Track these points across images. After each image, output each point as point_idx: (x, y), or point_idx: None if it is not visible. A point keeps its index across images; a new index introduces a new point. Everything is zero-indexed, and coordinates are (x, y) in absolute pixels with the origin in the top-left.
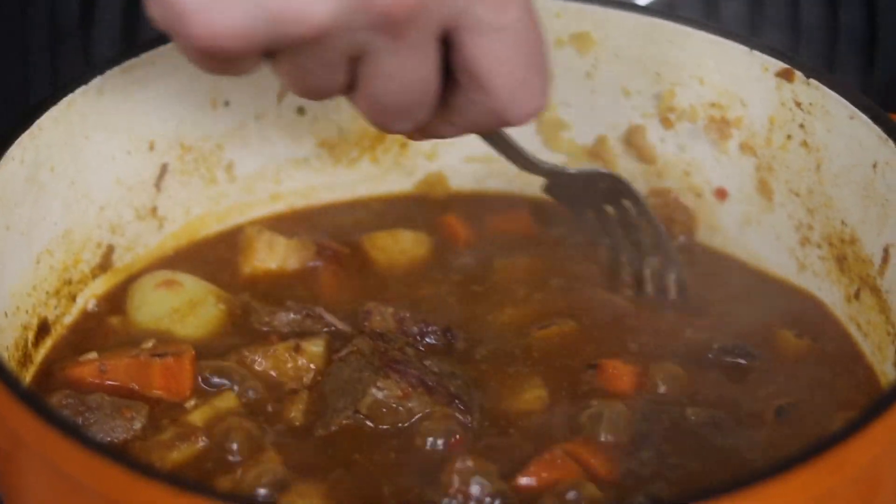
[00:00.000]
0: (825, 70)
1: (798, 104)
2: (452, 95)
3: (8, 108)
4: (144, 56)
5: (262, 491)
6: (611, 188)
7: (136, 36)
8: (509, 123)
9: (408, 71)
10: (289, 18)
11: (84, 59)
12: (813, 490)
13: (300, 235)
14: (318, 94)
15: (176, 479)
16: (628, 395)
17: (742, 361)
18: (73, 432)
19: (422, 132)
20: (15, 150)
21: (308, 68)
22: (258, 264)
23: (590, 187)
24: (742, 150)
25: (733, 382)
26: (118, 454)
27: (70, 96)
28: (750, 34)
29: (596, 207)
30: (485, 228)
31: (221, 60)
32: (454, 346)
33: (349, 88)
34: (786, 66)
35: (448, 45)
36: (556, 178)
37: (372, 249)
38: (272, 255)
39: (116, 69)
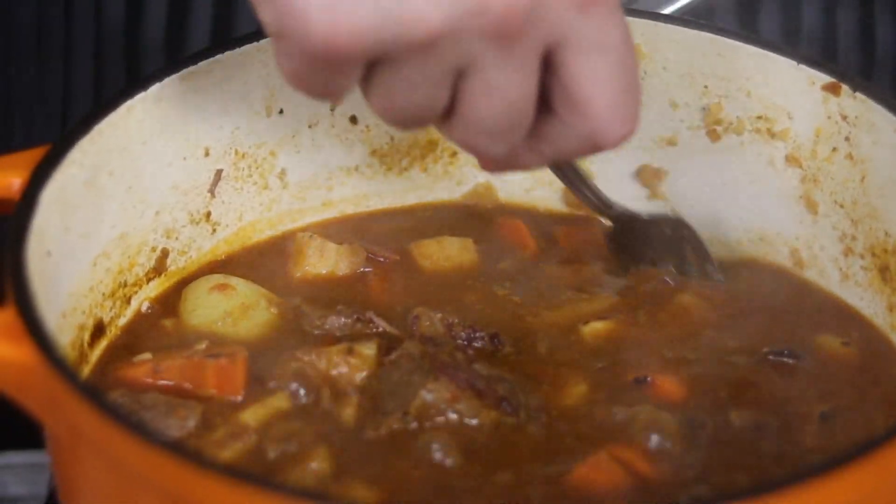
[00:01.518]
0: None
1: (844, 117)
2: (543, 122)
3: (49, 116)
4: (202, 64)
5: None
6: (675, 235)
7: (180, 48)
8: (601, 148)
9: (512, 86)
10: (406, 20)
11: (127, 69)
12: (857, 490)
13: (350, 242)
14: (414, 118)
15: (235, 471)
16: (676, 404)
17: (789, 361)
18: (135, 426)
19: (506, 162)
20: (75, 153)
21: (410, 83)
22: (309, 269)
23: (654, 234)
24: (788, 163)
25: (777, 388)
26: (179, 447)
27: (129, 102)
28: None
29: (655, 259)
30: (533, 236)
31: (326, 69)
32: (501, 350)
33: (446, 114)
34: (833, 79)
35: (546, 67)
36: (625, 223)
37: (419, 256)
38: (323, 261)
39: (175, 76)
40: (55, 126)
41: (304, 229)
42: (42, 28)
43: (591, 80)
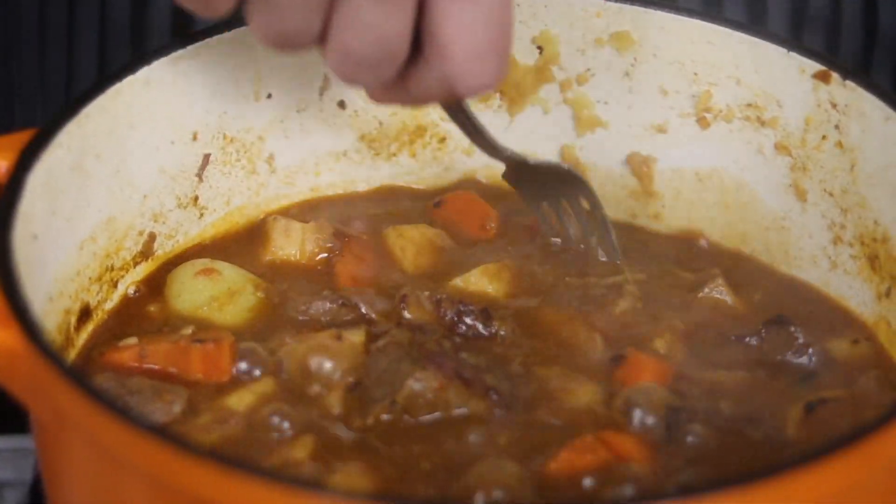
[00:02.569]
0: (861, 71)
1: (834, 105)
2: (413, 63)
3: (51, 101)
4: (190, 48)
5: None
6: (568, 183)
7: (187, 28)
8: (458, 94)
9: (384, 22)
10: None
11: (131, 53)
12: (845, 480)
13: (317, 220)
14: (289, 41)
15: (221, 456)
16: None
17: (789, 329)
18: (120, 410)
19: (381, 94)
20: (62, 137)
21: (281, 7)
22: (276, 250)
23: (547, 181)
24: (777, 150)
25: (764, 377)
26: (164, 432)
27: (117, 86)
28: (791, 33)
29: (552, 202)
30: (513, 222)
31: None
32: (491, 331)
33: (321, 38)
34: (823, 67)
35: (420, 9)
36: (516, 167)
37: (397, 239)
38: (289, 241)
39: (163, 60)
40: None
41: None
42: (45, 12)
43: (454, 26)
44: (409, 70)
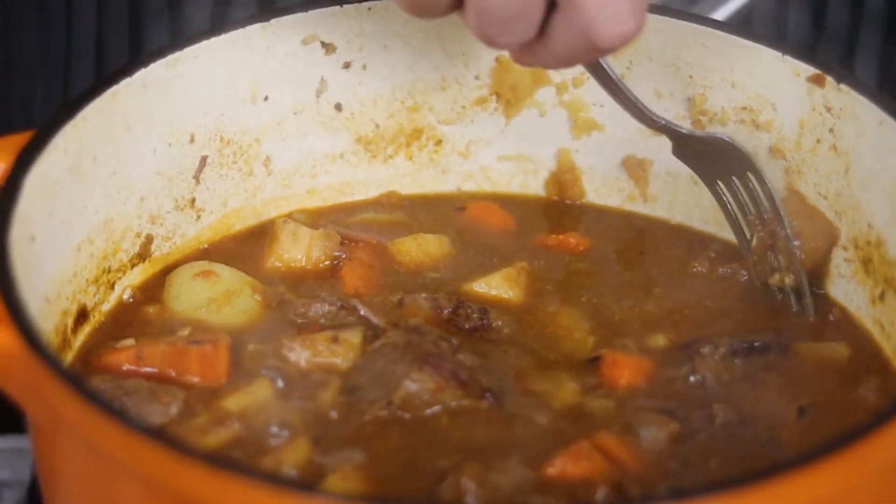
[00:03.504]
0: (851, 70)
1: (828, 109)
2: (552, 19)
3: (51, 81)
4: (188, 50)
5: (295, 476)
6: (732, 159)
7: (183, 13)
8: (599, 47)
9: None
10: None
11: (129, 34)
12: (838, 483)
13: (326, 227)
14: (428, 7)
15: (217, 458)
16: (641, 389)
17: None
18: (116, 413)
19: (527, 56)
20: (59, 139)
21: None
22: (283, 253)
23: (713, 155)
24: (772, 154)
25: (757, 381)
26: (160, 434)
27: (114, 88)
28: (777, 9)
29: (725, 180)
30: (515, 226)
31: None
32: (487, 322)
33: (458, 3)
34: (817, 71)
35: None
36: (677, 140)
37: (397, 254)
38: (297, 245)
39: (160, 62)
40: (57, 91)
41: (287, 217)
42: None
43: None
44: (548, 28)
